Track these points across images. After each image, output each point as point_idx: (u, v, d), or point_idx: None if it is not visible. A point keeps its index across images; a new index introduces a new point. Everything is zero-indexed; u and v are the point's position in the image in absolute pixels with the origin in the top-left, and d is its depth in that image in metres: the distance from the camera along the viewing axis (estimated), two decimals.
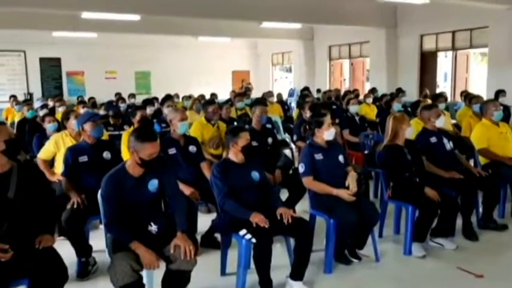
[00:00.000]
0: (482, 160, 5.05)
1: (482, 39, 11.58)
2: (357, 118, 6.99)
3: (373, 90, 12.24)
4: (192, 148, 4.34)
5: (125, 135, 5.09)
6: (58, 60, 16.58)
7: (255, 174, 3.50)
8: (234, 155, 3.49)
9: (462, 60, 12.63)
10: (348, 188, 3.64)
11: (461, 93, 10.21)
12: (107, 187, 2.86)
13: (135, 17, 10.41)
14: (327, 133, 3.84)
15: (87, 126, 3.87)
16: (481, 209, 4.59)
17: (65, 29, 12.64)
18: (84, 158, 3.83)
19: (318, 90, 14.05)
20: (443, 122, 4.67)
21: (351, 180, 3.67)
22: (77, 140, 4.32)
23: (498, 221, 4.71)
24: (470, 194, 4.26)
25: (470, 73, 12.73)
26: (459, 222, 4.29)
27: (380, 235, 4.36)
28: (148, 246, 2.73)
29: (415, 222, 3.96)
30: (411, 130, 4.13)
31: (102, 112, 7.16)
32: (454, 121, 7.80)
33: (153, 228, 2.85)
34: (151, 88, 17.94)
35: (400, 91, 11.91)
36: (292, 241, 3.41)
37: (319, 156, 3.80)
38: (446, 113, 7.75)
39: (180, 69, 17.78)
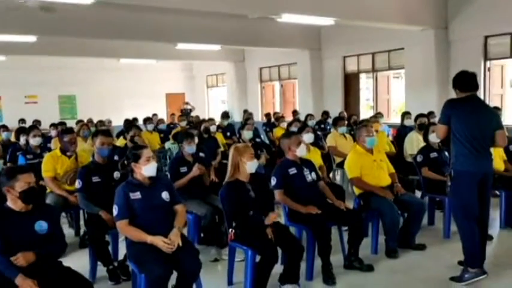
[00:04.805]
0: (356, 190, 4.67)
1: (399, 60, 11.58)
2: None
3: (294, 113, 11.98)
4: None
5: None
6: None
7: (41, 225, 2.89)
8: (13, 202, 2.87)
9: (383, 82, 12.59)
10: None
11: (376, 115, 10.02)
12: None
13: (32, 38, 9.69)
14: (146, 168, 3.30)
15: None
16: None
17: None
18: None
19: (245, 111, 13.67)
20: (304, 151, 4.25)
21: (174, 234, 3.14)
22: None
23: (371, 257, 4.32)
24: (325, 231, 3.81)
25: (391, 94, 12.67)
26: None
27: (230, 282, 3.84)
28: None
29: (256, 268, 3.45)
30: (252, 164, 3.66)
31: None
32: None
33: None
34: (78, 113, 17.06)
35: (326, 114, 11.70)
36: None
37: (136, 196, 3.25)
38: (348, 136, 7.47)
39: (109, 92, 17.17)
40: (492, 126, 3.82)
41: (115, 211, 3.23)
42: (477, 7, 9.73)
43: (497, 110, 6.63)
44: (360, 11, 9.04)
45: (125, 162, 3.41)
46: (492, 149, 4.05)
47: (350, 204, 4.80)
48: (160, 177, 3.48)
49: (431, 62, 10.37)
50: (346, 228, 4.17)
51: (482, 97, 9.67)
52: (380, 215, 4.36)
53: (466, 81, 3.84)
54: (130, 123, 7.15)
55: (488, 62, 10.03)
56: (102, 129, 5.02)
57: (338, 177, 7.70)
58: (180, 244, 3.10)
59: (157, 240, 3.08)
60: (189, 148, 4.75)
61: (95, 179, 4.21)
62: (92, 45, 12.44)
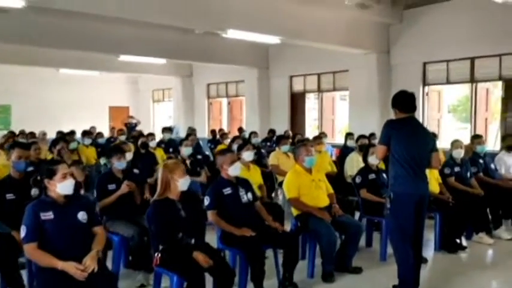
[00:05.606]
0: (294, 211, 4.53)
1: (344, 82, 11.80)
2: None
3: (240, 130, 11.87)
4: None
5: None
6: None
7: None
8: None
9: (329, 102, 12.77)
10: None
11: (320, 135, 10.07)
12: None
13: None
14: (61, 185, 2.99)
15: None
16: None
17: None
18: None
19: (189, 129, 13.37)
20: (237, 170, 4.06)
21: (90, 259, 2.84)
22: None
23: (306, 281, 4.18)
24: (259, 255, 3.62)
25: (336, 115, 12.87)
26: None
27: None
28: None
29: None
30: (184, 182, 3.43)
31: None
32: None
33: None
34: (12, 123, 16.03)
35: (272, 132, 11.66)
36: None
37: (48, 216, 2.92)
38: (291, 155, 7.39)
39: (47, 103, 16.35)
40: (429, 148, 3.86)
41: (23, 232, 2.88)
42: (416, 35, 10.12)
43: (433, 136, 6.82)
44: (305, 31, 9.13)
45: (38, 178, 3.07)
46: (428, 171, 4.07)
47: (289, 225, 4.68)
48: (78, 196, 3.17)
49: (373, 84, 10.63)
50: (282, 250, 4.01)
51: (420, 121, 9.98)
52: (317, 237, 4.24)
53: (406, 101, 3.86)
54: (60, 136, 6.67)
55: (426, 87, 10.42)
56: (19, 142, 4.63)
57: (280, 197, 7.57)
58: (96, 269, 2.80)
59: (69, 266, 2.77)
60: (119, 164, 4.44)
61: (9, 196, 3.81)
62: (28, 53, 11.79)
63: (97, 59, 12.99)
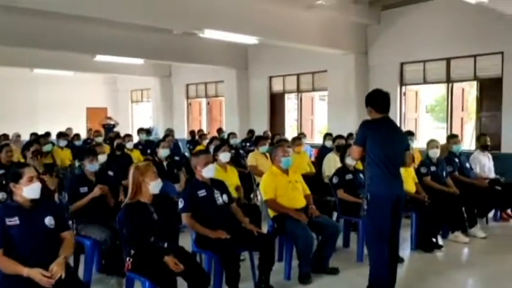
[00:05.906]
0: (270, 212, 4.49)
1: (323, 82, 11.83)
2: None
3: (219, 131, 11.80)
4: None
5: None
6: None
7: None
8: None
9: (308, 102, 12.78)
10: None
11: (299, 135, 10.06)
12: None
13: None
14: (27, 189, 2.88)
15: None
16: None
17: None
18: None
19: (167, 130, 13.22)
20: (211, 172, 3.99)
21: (56, 265, 2.74)
22: None
23: (283, 284, 4.15)
24: (234, 258, 3.57)
25: (315, 115, 12.89)
26: None
27: None
28: None
29: None
30: (156, 184, 3.35)
31: None
32: None
33: None
34: None
35: (251, 133, 11.61)
36: None
37: (13, 221, 2.81)
38: (269, 155, 7.35)
39: (22, 104, 15.94)
40: (403, 147, 3.89)
41: None
42: (394, 36, 10.21)
43: (410, 135, 6.88)
44: (283, 32, 9.11)
45: (3, 182, 2.96)
46: (404, 171, 4.08)
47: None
48: (46, 200, 3.05)
49: (351, 85, 10.67)
50: (258, 253, 3.96)
51: (398, 121, 10.11)
52: (294, 238, 4.20)
53: (381, 102, 3.86)
54: (34, 139, 6.50)
55: (404, 87, 10.52)
56: None
57: (259, 197, 7.53)
58: (63, 276, 2.71)
59: (35, 273, 2.66)
60: (91, 166, 4.34)
61: None
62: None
63: (72, 59, 12.71)
